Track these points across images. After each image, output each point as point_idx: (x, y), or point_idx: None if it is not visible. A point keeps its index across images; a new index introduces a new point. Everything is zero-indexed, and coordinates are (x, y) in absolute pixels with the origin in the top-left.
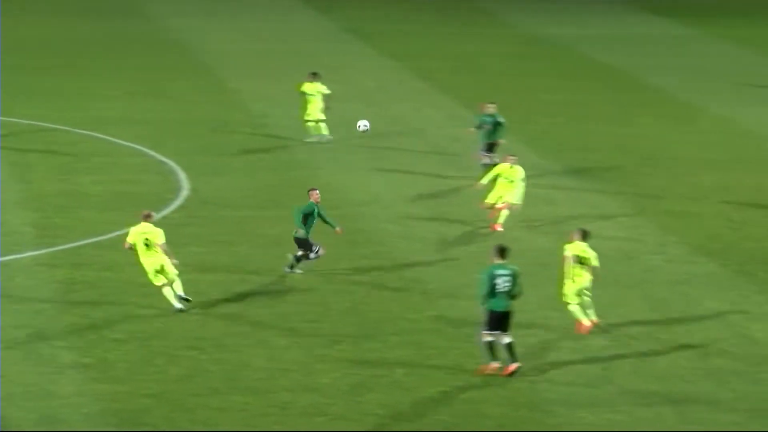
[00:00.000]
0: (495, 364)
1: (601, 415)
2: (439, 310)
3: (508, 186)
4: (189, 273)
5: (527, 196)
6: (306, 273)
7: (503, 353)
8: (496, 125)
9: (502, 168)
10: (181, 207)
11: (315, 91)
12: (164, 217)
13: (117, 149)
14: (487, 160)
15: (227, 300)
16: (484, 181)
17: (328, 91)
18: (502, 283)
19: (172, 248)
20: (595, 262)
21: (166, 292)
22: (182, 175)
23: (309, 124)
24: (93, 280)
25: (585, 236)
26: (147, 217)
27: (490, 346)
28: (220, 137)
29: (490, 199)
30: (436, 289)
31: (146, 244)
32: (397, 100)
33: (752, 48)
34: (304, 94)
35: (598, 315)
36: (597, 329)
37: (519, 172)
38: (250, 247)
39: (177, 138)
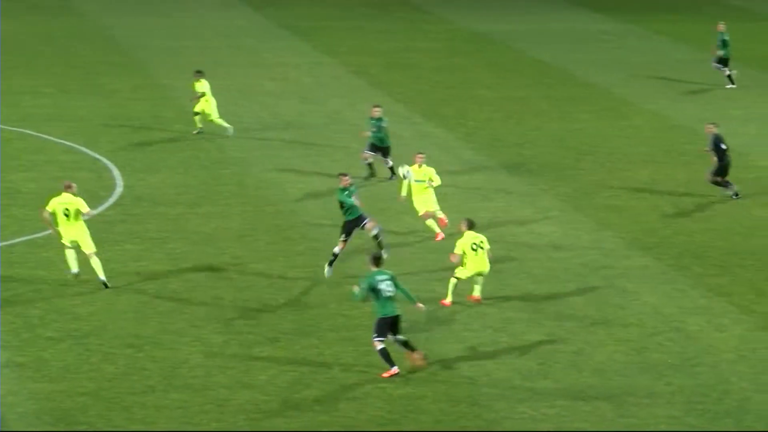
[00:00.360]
0: (394, 369)
1: (539, 409)
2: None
3: (422, 188)
4: (124, 270)
5: (464, 191)
6: (242, 269)
7: (405, 347)
8: (382, 128)
9: (413, 170)
10: (116, 204)
11: (200, 88)
12: (99, 215)
13: (50, 146)
14: (370, 160)
15: (163, 297)
16: (404, 192)
17: (204, 90)
18: (386, 288)
19: (107, 246)
20: (487, 245)
21: (69, 254)
22: (116, 172)
23: (210, 120)
24: (27, 278)
25: (472, 225)
26: (68, 188)
27: (385, 352)
28: (154, 134)
29: (420, 208)
30: None
31: (66, 214)
32: (332, 96)
33: (683, 43)
34: (196, 92)
35: (535, 309)
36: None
37: (429, 171)
38: (185, 244)
39: (110, 135)
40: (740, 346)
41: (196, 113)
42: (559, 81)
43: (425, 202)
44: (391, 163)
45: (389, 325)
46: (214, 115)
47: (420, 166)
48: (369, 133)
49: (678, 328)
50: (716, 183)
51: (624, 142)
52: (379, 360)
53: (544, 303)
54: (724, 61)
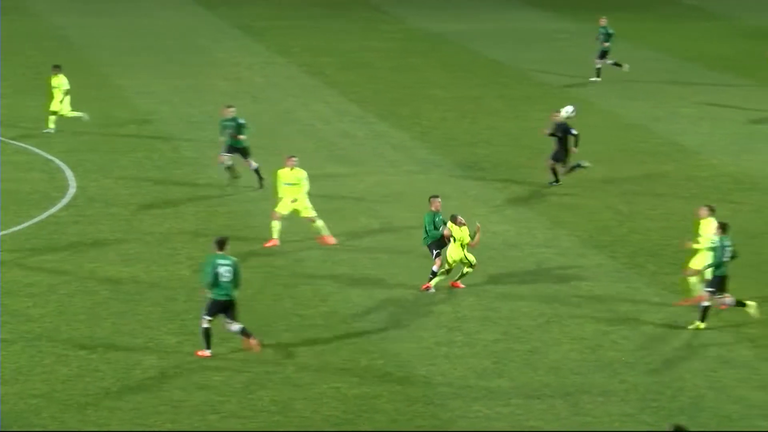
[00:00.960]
0: (207, 352)
1: (494, 408)
2: (330, 306)
3: (296, 190)
4: (77, 272)
5: (419, 191)
6: (196, 270)
7: (242, 334)
8: (239, 127)
9: (283, 173)
10: (69, 205)
11: (57, 84)
12: (51, 216)
13: (1, 147)
14: (229, 162)
15: (116, 299)
16: (282, 195)
17: (67, 86)
18: (224, 273)
19: (59, 247)
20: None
21: None
22: (69, 173)
23: (51, 116)
24: None
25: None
26: None
27: (207, 332)
28: (107, 134)
29: (282, 209)
30: (328, 285)
31: None
32: (286, 96)
33: (635, 42)
34: (51, 87)
35: (489, 308)
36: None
37: (300, 173)
38: (138, 244)
39: (63, 136)
40: (694, 343)
41: (53, 112)
42: (514, 80)
43: (296, 206)
44: (255, 165)
45: (221, 308)
46: (66, 110)
47: (292, 169)
48: (242, 137)
49: (632, 326)
50: (553, 169)
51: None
52: (200, 338)
53: (499, 302)
54: (604, 54)
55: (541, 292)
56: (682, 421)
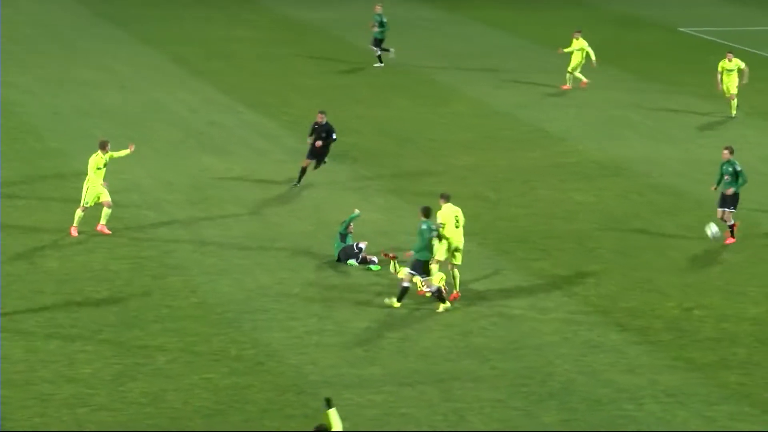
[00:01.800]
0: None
1: (366, 396)
2: (200, 297)
3: (102, 174)
4: None
5: (289, 181)
6: (63, 261)
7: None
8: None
9: (97, 158)
10: None
11: None
12: None
13: None
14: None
15: None
16: (94, 181)
17: None
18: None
19: None
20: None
21: None
22: None
23: None
24: None
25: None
26: None
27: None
28: None
29: (89, 199)
30: (197, 276)
31: None
32: (152, 86)
33: (502, 31)
34: None
35: (359, 296)
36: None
37: (108, 156)
38: (4, 237)
39: None
40: (563, 328)
41: None
42: (382, 69)
43: (102, 192)
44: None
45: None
46: None
47: (104, 153)
48: None
49: (501, 313)
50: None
51: (445, 129)
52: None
53: (369, 288)
54: (378, 42)
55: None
56: (553, 406)
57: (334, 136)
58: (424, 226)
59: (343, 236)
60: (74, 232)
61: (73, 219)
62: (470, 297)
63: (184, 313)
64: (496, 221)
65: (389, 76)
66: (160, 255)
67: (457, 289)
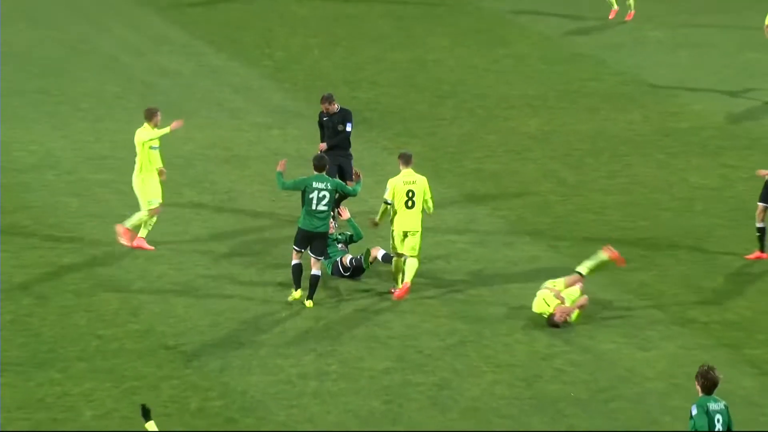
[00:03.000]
0: None
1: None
2: (144, 323)
3: None
4: None
5: (273, 154)
6: None
7: None
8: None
9: None
10: None
11: None
12: None
13: None
14: None
15: None
16: None
17: None
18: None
19: None
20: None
21: None
22: None
23: None
24: None
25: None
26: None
27: None
28: None
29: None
30: (141, 293)
31: None
32: (78, 19)
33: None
34: None
35: (375, 322)
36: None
37: None
38: None
39: None
40: (673, 370)
41: None
42: None
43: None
44: None
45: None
46: None
47: (154, 125)
48: None
49: (584, 347)
50: None
51: (500, 80)
52: None
53: (389, 313)
54: None
55: (451, 297)
56: None
57: (350, 128)
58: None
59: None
60: (144, 244)
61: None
62: (536, 324)
63: (121, 346)
64: (574, 213)
65: (419, 2)
66: (87, 262)
67: (400, 285)
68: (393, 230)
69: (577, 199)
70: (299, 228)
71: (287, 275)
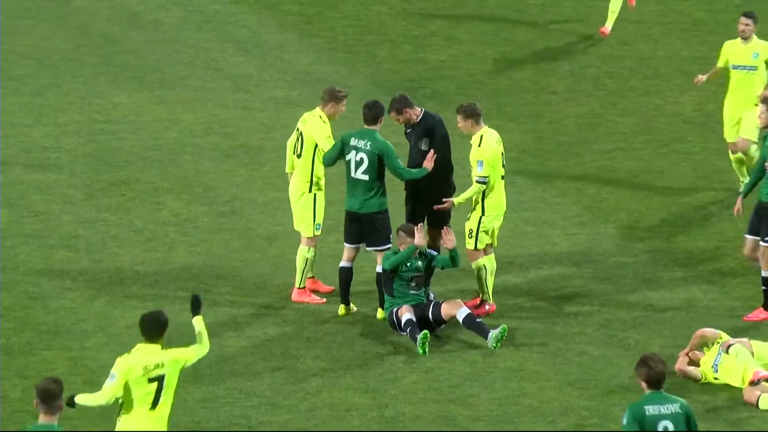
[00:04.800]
0: None
1: None
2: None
3: None
4: None
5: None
6: None
7: None
8: None
9: None
10: None
11: None
12: None
13: None
14: None
15: None
16: None
17: None
18: None
19: None
20: None
21: None
22: None
23: None
24: None
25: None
26: None
27: None
28: None
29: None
30: (74, 339)
31: None
32: None
33: None
34: None
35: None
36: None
37: None
38: None
39: None
40: None
41: None
42: None
43: None
44: None
45: None
46: None
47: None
48: None
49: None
50: None
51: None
52: None
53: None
54: None
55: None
56: None
57: (425, 146)
58: None
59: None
60: (321, 285)
61: None
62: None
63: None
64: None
65: None
66: (20, 305)
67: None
68: (486, 217)
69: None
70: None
71: (299, 313)
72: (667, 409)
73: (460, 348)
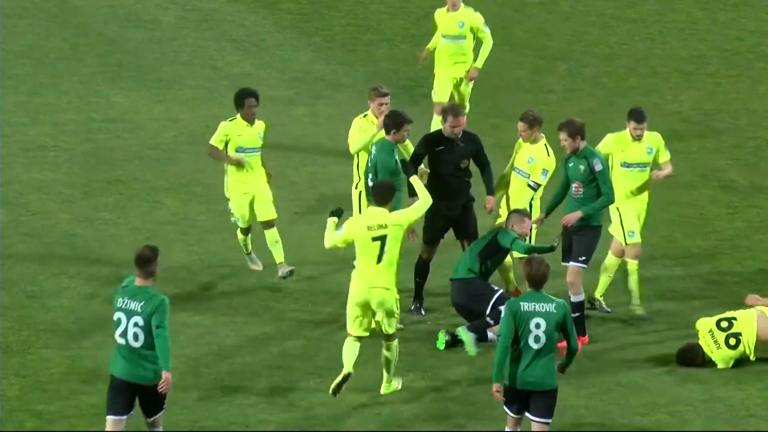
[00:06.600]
0: None
1: None
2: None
3: None
4: None
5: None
6: None
7: None
8: None
9: None
10: None
11: None
12: None
13: None
14: None
15: None
16: None
17: None
18: None
19: None
20: None
21: None
22: None
23: None
24: None
25: None
26: None
27: None
28: None
29: None
30: (81, 341)
31: None
32: None
33: None
34: None
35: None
36: None
37: None
38: None
39: None
40: None
41: None
42: None
43: None
44: None
45: None
46: None
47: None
48: None
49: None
50: None
51: None
52: None
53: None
54: None
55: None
56: None
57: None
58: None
59: (486, 256)
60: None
61: None
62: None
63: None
64: (746, 234)
65: None
66: (18, 304)
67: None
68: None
69: (751, 212)
70: None
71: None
72: (543, 307)
73: (460, 347)
